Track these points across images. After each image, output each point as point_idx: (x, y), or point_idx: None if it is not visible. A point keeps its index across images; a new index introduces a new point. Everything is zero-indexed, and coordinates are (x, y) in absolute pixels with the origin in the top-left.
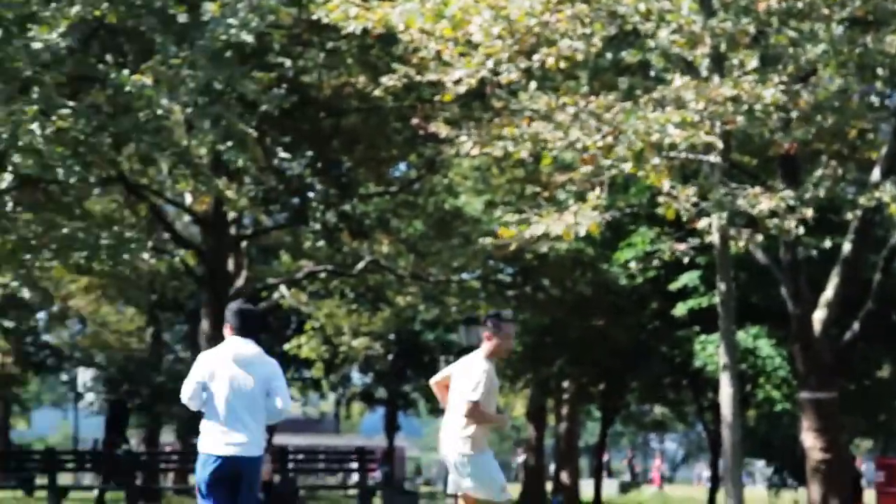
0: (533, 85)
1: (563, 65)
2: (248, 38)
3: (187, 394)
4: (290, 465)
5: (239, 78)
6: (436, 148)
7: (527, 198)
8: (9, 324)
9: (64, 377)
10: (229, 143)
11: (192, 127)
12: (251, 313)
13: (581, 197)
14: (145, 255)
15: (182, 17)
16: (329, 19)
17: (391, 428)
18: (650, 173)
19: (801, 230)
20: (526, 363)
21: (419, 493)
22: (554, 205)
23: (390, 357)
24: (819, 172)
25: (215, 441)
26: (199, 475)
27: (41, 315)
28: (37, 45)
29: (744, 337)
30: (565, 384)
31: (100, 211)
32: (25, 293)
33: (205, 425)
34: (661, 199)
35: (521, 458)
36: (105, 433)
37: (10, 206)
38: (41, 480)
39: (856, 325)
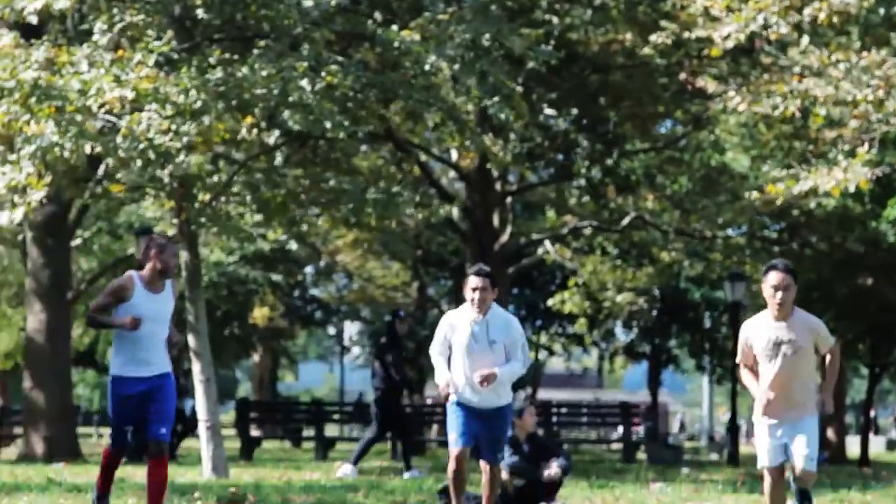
0: (804, 40)
1: (834, 20)
2: None
3: None
4: (554, 419)
5: (506, 33)
6: (702, 104)
7: (794, 153)
8: (278, 278)
9: (330, 331)
10: (495, 99)
11: (458, 83)
12: None
13: (851, 153)
14: (410, 211)
15: None
16: None
17: (654, 383)
18: None
19: None
20: None
21: (683, 448)
22: (823, 161)
23: (654, 312)
24: None
25: None
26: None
27: (309, 270)
28: (307, 3)
29: None
30: None
31: (367, 167)
32: (294, 247)
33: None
34: None
35: None
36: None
37: (279, 161)
38: (308, 432)
39: None
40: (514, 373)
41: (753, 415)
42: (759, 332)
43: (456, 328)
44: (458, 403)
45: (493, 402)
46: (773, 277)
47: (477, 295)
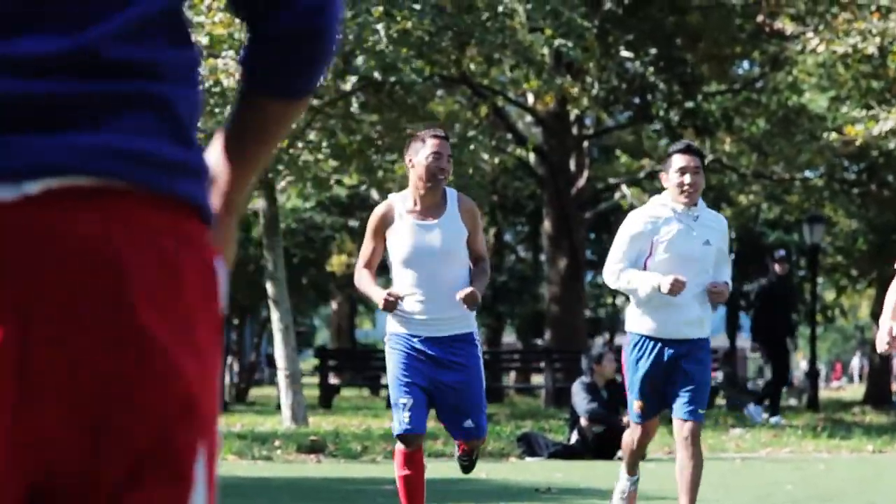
0: None
1: None
2: None
3: None
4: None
5: None
6: (780, 45)
7: (873, 93)
8: (355, 224)
9: None
10: (568, 42)
11: (534, 28)
12: None
13: None
14: (485, 156)
15: None
16: None
17: (732, 328)
18: None
19: None
20: (871, 262)
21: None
22: None
23: (732, 256)
24: None
25: None
26: None
27: None
28: None
29: None
30: None
31: (443, 112)
32: (372, 194)
33: None
34: None
35: (857, 360)
36: None
37: (354, 107)
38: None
39: None
40: (727, 288)
41: None
42: None
43: (657, 227)
44: (641, 340)
45: (689, 332)
46: None
47: (688, 178)
